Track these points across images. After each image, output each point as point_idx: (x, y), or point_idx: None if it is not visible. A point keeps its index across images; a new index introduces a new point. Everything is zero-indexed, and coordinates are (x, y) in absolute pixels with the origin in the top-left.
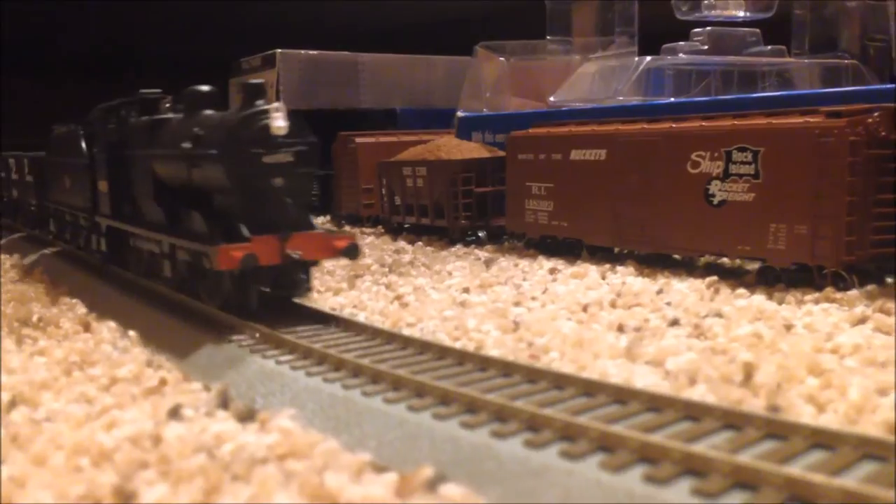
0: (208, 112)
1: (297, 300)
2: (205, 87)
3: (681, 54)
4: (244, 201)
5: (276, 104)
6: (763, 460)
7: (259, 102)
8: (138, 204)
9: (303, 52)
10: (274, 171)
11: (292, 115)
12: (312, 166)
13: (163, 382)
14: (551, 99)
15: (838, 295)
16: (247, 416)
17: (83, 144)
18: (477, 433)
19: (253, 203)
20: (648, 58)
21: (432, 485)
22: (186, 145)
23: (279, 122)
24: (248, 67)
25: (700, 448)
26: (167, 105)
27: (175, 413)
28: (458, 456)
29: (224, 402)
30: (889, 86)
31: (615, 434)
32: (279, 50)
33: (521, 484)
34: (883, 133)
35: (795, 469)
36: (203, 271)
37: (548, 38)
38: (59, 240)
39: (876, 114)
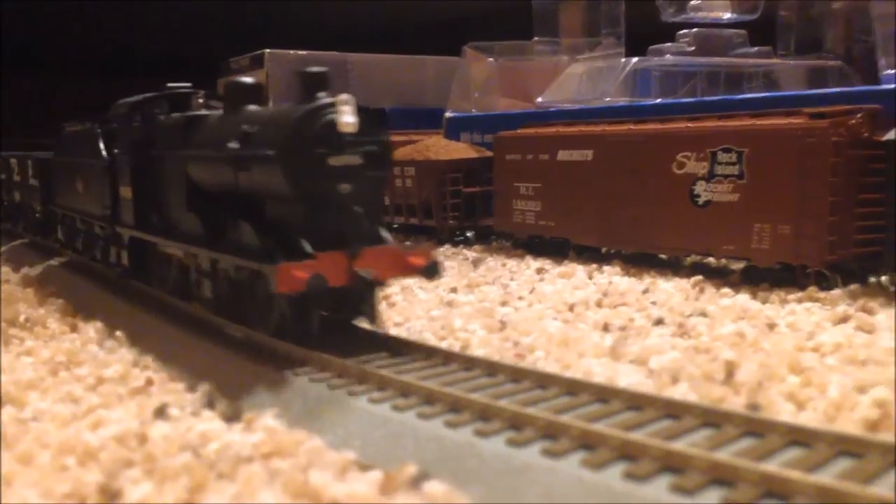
0: (253, 107)
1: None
2: (248, 80)
3: (667, 55)
4: (306, 210)
5: (343, 96)
6: (740, 457)
7: (321, 95)
8: (168, 212)
9: (291, 52)
10: (340, 175)
11: (363, 110)
12: (384, 170)
13: (149, 382)
14: (539, 100)
15: (821, 294)
16: (232, 416)
17: (101, 145)
18: (460, 432)
19: (316, 212)
20: (635, 59)
21: (416, 483)
22: (233, 145)
23: (347, 118)
24: (237, 67)
25: (679, 445)
26: (200, 101)
27: (161, 412)
28: (442, 454)
29: (210, 402)
30: (872, 87)
31: (596, 432)
32: (268, 50)
33: (504, 482)
34: (865, 134)
35: (772, 466)
36: (251, 292)
37: (535, 38)
38: (67, 249)
39: (859, 115)
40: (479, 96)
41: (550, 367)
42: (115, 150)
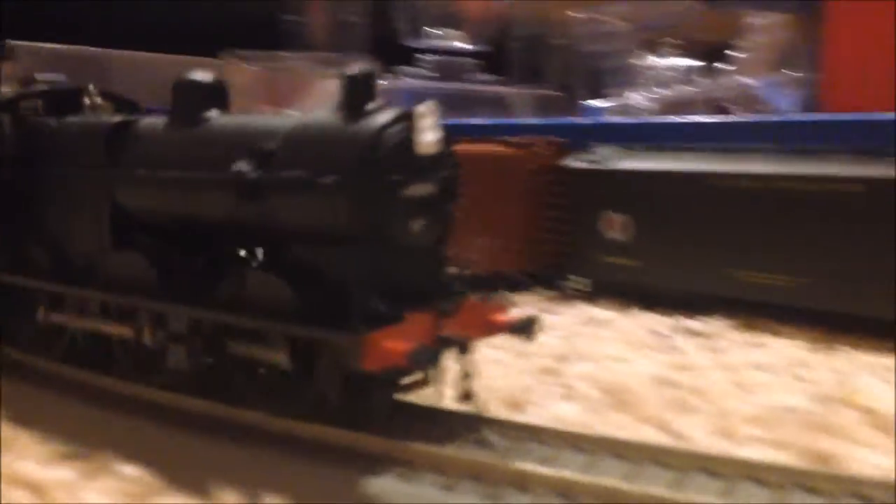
0: (215, 114)
1: None
2: (205, 77)
3: (410, 78)
4: (371, 255)
5: (423, 107)
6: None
7: (374, 105)
8: (72, 249)
9: (44, 44)
10: (414, 210)
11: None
12: (454, 200)
13: None
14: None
15: (516, 297)
16: None
17: None
18: (143, 420)
19: (383, 258)
20: (382, 80)
21: (113, 466)
22: (243, 166)
23: (429, 136)
24: None
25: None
26: (98, 101)
27: None
28: (141, 445)
29: None
30: (559, 120)
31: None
32: (14, 41)
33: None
34: (551, 162)
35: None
36: (267, 364)
37: (287, 52)
38: None
39: (546, 145)
40: (239, 102)
41: None
42: None
